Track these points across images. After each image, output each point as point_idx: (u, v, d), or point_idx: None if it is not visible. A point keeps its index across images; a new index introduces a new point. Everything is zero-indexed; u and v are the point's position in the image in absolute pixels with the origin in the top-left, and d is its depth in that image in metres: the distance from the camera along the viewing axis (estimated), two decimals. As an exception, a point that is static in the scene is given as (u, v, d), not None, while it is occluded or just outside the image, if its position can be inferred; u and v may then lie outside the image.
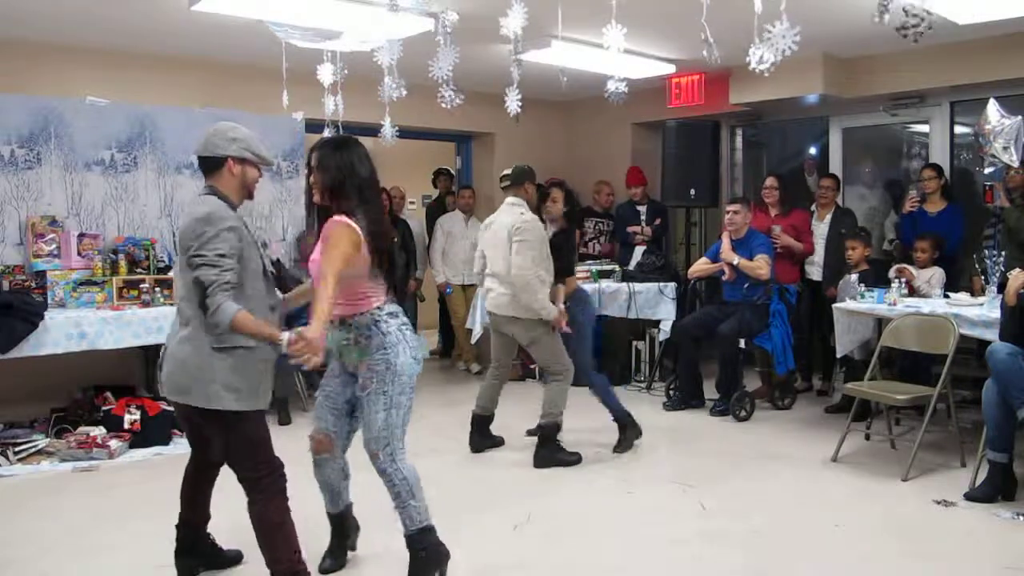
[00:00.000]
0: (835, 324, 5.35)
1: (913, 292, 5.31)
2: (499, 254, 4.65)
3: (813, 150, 7.39)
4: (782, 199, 6.38)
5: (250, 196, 2.96)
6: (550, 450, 4.64)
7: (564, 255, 4.88)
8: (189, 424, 3.06)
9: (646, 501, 4.12)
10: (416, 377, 3.03)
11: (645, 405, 6.03)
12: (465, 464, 4.76)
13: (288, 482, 2.91)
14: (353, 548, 3.38)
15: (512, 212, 4.66)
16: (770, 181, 6.44)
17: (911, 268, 5.49)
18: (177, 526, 3.21)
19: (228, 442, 2.86)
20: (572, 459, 4.66)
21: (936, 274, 5.50)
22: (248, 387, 2.80)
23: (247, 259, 2.80)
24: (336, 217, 2.88)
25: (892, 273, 5.40)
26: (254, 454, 2.85)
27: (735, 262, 5.73)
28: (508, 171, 4.82)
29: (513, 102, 3.77)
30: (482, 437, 4.97)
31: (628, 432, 4.94)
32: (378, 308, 2.99)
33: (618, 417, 4.94)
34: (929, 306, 4.84)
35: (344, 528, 3.33)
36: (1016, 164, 5.19)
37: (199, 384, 2.75)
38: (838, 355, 5.55)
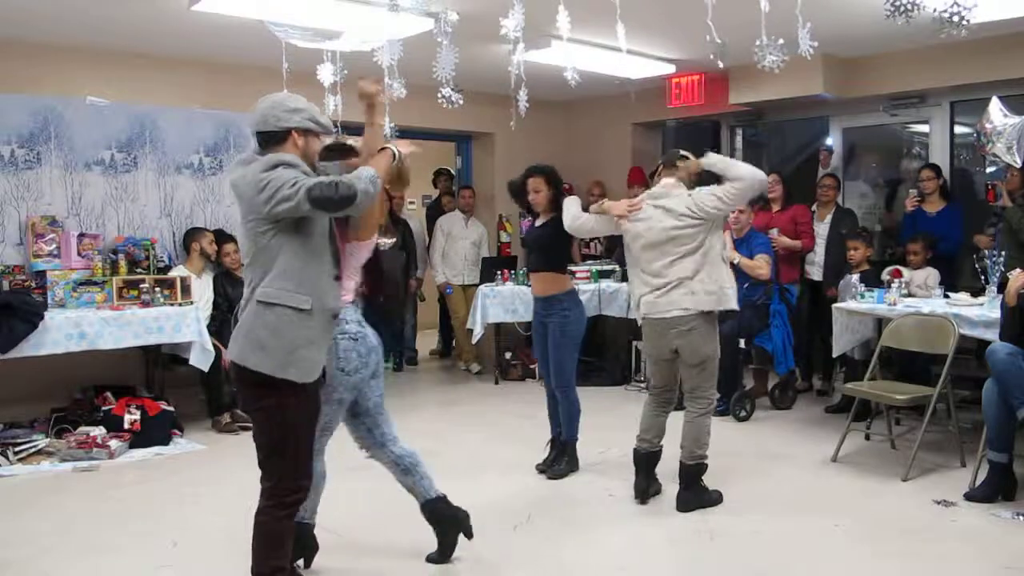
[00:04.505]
0: (833, 324, 5.35)
1: (912, 293, 5.31)
2: (662, 251, 3.88)
3: (829, 140, 7.35)
4: (785, 194, 6.35)
5: (313, 168, 2.70)
6: (696, 492, 3.97)
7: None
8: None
9: (646, 501, 4.12)
10: (344, 388, 2.89)
11: (645, 405, 6.01)
12: (464, 465, 4.76)
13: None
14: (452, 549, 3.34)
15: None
16: (772, 177, 6.29)
17: (904, 270, 5.49)
18: None
19: (257, 423, 2.64)
20: (717, 498, 4.03)
21: (931, 275, 5.51)
22: (281, 349, 2.52)
23: (312, 220, 2.60)
24: None
25: (885, 276, 5.40)
26: (281, 456, 2.60)
27: (736, 260, 5.73)
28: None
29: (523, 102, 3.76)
30: (651, 480, 4.09)
31: (568, 459, 4.53)
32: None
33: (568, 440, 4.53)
34: (929, 306, 4.84)
35: (436, 520, 3.29)
36: (1019, 165, 5.17)
37: (243, 344, 2.56)
38: (834, 354, 5.54)
